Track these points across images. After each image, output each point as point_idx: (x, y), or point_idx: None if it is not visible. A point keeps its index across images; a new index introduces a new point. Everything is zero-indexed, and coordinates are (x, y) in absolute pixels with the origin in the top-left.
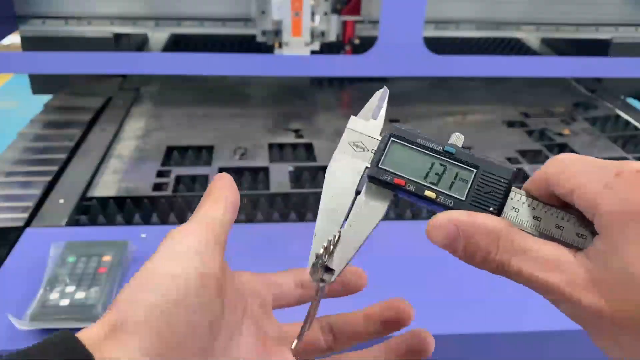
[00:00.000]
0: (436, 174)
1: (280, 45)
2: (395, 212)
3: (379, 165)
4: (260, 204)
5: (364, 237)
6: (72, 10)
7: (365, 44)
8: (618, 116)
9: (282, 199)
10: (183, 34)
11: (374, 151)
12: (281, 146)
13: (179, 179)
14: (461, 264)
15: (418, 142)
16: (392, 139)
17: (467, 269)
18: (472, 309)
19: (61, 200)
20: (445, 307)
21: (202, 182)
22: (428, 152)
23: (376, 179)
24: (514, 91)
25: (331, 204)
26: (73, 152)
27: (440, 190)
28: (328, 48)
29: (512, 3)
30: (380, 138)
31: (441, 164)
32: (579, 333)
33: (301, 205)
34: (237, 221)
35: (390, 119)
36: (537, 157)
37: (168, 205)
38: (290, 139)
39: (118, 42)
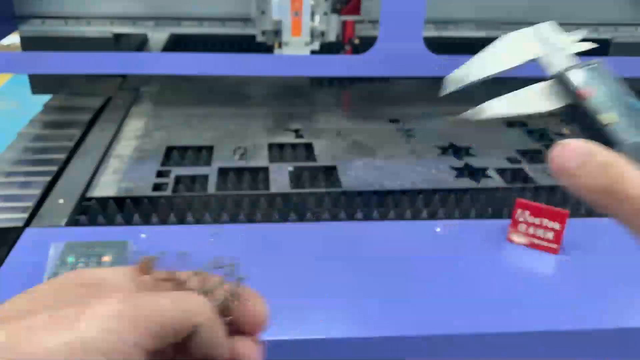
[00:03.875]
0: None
1: (280, 45)
2: (396, 213)
3: (576, 68)
4: (260, 204)
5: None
6: (71, 10)
7: (366, 44)
8: None
9: (282, 199)
10: (183, 34)
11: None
12: (281, 146)
13: (178, 179)
14: (460, 264)
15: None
16: (600, 64)
17: (469, 269)
18: (472, 309)
19: (61, 201)
20: (446, 306)
21: (201, 182)
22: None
23: (567, 80)
24: (514, 90)
25: (499, 53)
26: (73, 152)
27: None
28: (328, 48)
29: (512, 3)
30: (572, 53)
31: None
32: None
33: (301, 205)
34: (237, 221)
35: (389, 119)
36: (537, 157)
37: (168, 206)
38: (290, 139)
39: (118, 42)
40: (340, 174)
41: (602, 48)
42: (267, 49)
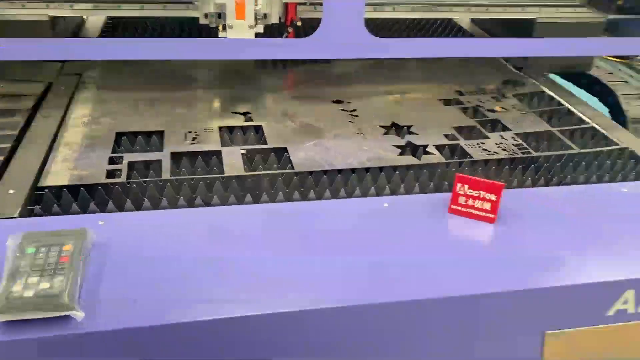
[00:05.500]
0: None
1: (224, 28)
2: (347, 191)
3: None
4: (216, 188)
5: None
6: None
7: (306, 26)
8: (543, 92)
9: (236, 182)
10: (122, 16)
11: None
12: (231, 129)
13: (131, 165)
14: (407, 236)
15: None
16: None
17: (415, 239)
18: (419, 276)
19: (11, 191)
20: (394, 275)
21: (155, 168)
22: None
23: None
24: (448, 70)
25: None
26: (18, 140)
27: None
28: (270, 30)
29: None
30: None
31: None
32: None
33: (256, 187)
34: (193, 205)
35: (333, 100)
36: (472, 133)
37: (123, 192)
38: (239, 122)
39: (54, 26)
40: (291, 155)
41: (528, 27)
42: (209, 31)
